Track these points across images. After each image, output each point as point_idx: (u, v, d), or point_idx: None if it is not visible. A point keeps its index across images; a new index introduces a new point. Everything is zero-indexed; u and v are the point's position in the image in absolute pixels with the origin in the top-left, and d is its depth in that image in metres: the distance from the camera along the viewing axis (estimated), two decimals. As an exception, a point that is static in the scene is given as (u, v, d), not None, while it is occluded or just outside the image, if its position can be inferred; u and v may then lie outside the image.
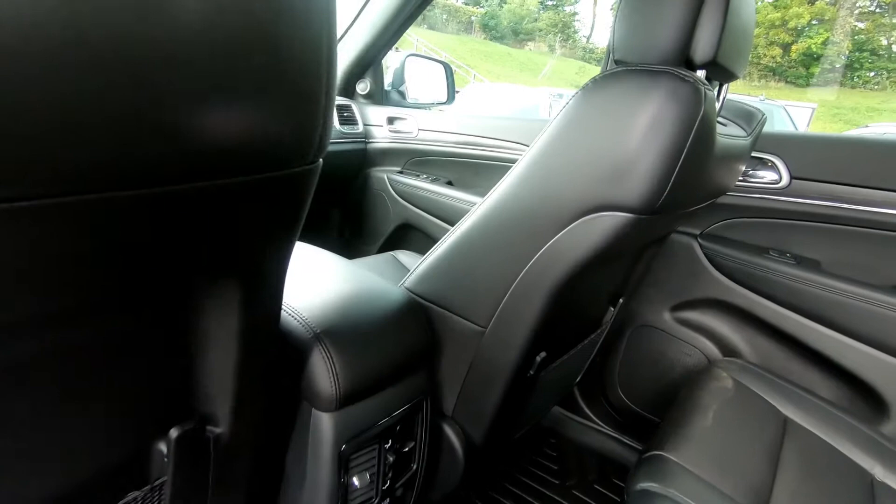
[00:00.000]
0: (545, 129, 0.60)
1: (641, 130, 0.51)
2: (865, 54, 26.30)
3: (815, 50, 25.94)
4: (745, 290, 1.01)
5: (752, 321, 1.02)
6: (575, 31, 35.27)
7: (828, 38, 26.17)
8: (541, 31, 33.10)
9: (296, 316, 0.60)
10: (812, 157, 0.93)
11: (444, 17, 29.08)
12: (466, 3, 32.78)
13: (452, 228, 0.74)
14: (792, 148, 0.95)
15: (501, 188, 0.67)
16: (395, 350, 0.65)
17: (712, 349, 1.08)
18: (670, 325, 1.13)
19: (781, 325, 0.97)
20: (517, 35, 32.20)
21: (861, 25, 27.61)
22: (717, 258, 1.03)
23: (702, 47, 0.56)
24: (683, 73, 0.52)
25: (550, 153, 0.60)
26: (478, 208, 0.71)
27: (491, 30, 31.65)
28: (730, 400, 0.80)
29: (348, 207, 1.76)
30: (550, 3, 35.56)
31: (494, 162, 1.43)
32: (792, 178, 0.95)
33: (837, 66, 26.17)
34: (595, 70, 27.01)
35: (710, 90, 0.54)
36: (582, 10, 36.09)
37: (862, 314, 0.87)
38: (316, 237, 1.77)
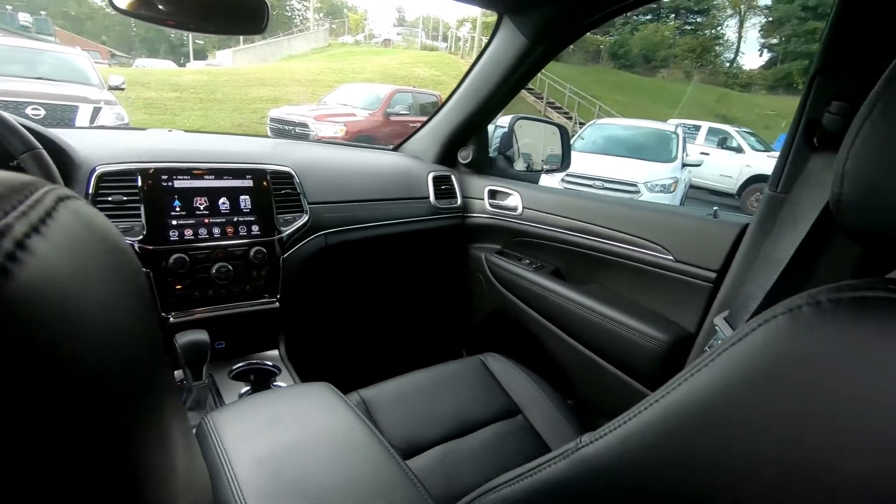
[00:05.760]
0: (707, 360, 0.35)
1: None
2: None
3: None
4: None
5: None
6: (716, 56, 32.42)
7: None
8: (676, 57, 30.99)
9: None
10: None
11: (571, 47, 28.68)
12: (594, 32, 32.03)
13: (539, 464, 0.48)
14: None
15: (617, 437, 0.39)
16: None
17: None
18: None
19: None
20: (648, 63, 30.55)
21: None
22: None
23: None
24: None
25: (713, 414, 0.32)
26: (580, 448, 0.44)
27: (620, 58, 30.44)
28: None
29: (443, 290, 1.59)
30: (689, 27, 33.25)
31: (615, 258, 1.15)
32: None
33: None
34: (739, 98, 24.45)
35: None
36: (726, 31, 33.07)
37: None
38: (410, 323, 1.65)
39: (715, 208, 1.00)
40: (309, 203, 1.14)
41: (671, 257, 1.03)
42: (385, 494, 0.52)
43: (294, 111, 7.72)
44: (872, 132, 0.31)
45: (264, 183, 1.06)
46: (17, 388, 0.16)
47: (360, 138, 7.26)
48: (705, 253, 0.96)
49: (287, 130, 7.19)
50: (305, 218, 1.12)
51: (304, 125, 7.08)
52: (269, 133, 7.49)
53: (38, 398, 0.16)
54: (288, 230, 1.09)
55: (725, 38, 32.91)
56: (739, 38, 32.52)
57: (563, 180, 5.42)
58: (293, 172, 1.13)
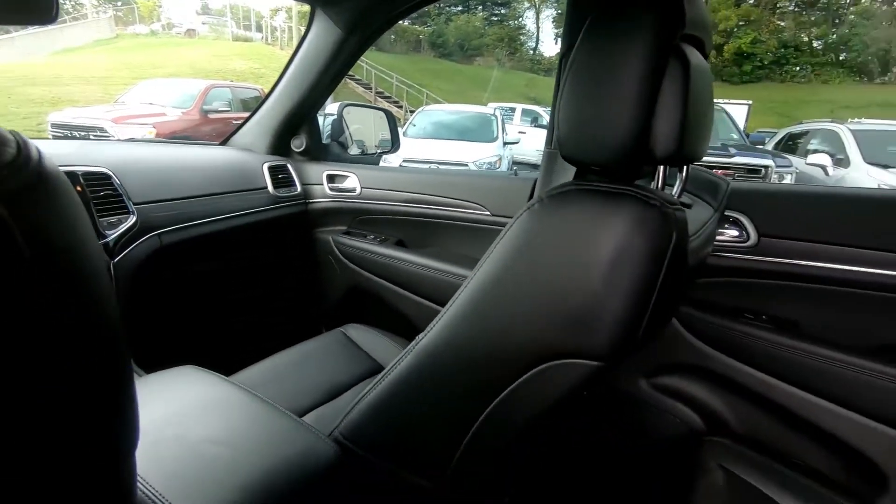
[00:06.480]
0: (489, 252, 0.49)
1: (604, 269, 0.41)
2: (790, 50, 28.11)
3: (745, 49, 27.52)
4: (722, 355, 0.93)
5: (734, 388, 0.94)
6: (521, 45, 36.15)
7: (755, 37, 27.84)
8: (487, 45, 33.74)
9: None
10: (781, 213, 0.87)
11: (392, 37, 29.23)
12: (413, 23, 33.12)
13: (391, 365, 0.60)
14: (759, 204, 0.89)
15: (442, 324, 0.54)
16: None
17: (694, 418, 1.00)
18: (647, 393, 1.04)
19: (767, 393, 0.89)
20: (465, 51, 32.71)
21: (783, 24, 29.57)
22: (691, 322, 0.95)
23: (662, 143, 0.46)
24: (648, 194, 0.42)
25: (497, 286, 0.48)
26: (419, 343, 0.58)
27: (439, 47, 32.03)
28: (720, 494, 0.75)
29: (294, 275, 1.61)
30: (496, 18, 36.40)
31: (446, 221, 1.32)
32: (760, 236, 0.88)
33: (766, 62, 27.90)
34: (544, 82, 27.74)
35: (680, 210, 0.44)
36: (527, 23, 37.10)
37: (851, 383, 0.80)
38: (264, 313, 1.64)
39: (515, 168, 1.22)
40: (135, 203, 1.08)
41: (488, 213, 1.23)
42: (278, 438, 0.58)
43: (83, 114, 6.58)
44: (570, 90, 0.48)
45: (77, 187, 0.98)
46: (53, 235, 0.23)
47: (177, 139, 6.52)
48: (511, 205, 1.18)
49: (78, 137, 6.10)
50: (133, 219, 1.06)
51: (101, 129, 6.08)
52: (53, 141, 6.25)
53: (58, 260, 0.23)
54: (114, 234, 1.02)
55: (527, 29, 36.87)
56: (538, 28, 36.71)
57: (401, 165, 5.65)
58: (110, 173, 1.05)
